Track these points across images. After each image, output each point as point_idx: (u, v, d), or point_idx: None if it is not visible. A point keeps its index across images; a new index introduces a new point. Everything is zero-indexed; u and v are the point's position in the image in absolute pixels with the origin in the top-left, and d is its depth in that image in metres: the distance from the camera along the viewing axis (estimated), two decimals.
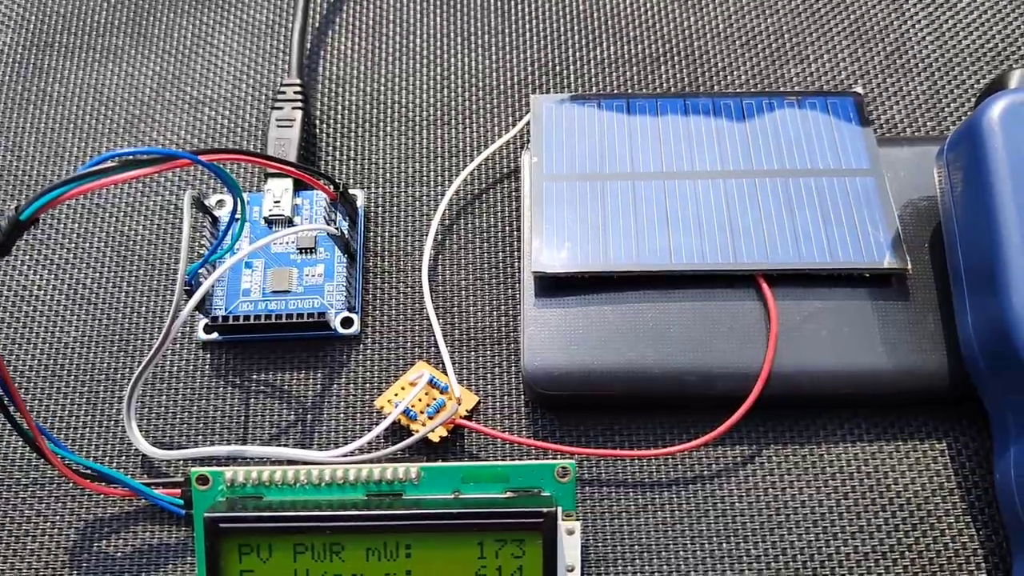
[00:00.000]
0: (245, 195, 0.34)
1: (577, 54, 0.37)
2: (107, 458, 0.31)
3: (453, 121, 0.36)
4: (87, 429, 0.32)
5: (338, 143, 0.36)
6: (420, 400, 0.31)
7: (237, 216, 0.30)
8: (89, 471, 0.30)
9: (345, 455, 0.29)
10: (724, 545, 0.29)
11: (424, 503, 0.27)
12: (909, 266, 0.30)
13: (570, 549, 0.28)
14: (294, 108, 0.35)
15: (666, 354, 0.30)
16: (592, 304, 0.30)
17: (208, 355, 0.33)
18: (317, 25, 0.38)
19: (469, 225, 0.34)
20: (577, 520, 0.28)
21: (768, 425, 0.31)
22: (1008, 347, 0.26)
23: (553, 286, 0.31)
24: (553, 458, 0.30)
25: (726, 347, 0.30)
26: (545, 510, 0.27)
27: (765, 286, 0.30)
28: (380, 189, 0.35)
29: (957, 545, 0.29)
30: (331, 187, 0.32)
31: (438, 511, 0.27)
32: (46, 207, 0.25)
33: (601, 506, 0.30)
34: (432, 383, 0.31)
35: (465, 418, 0.31)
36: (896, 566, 0.29)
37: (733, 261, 0.30)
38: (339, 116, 0.37)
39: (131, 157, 0.25)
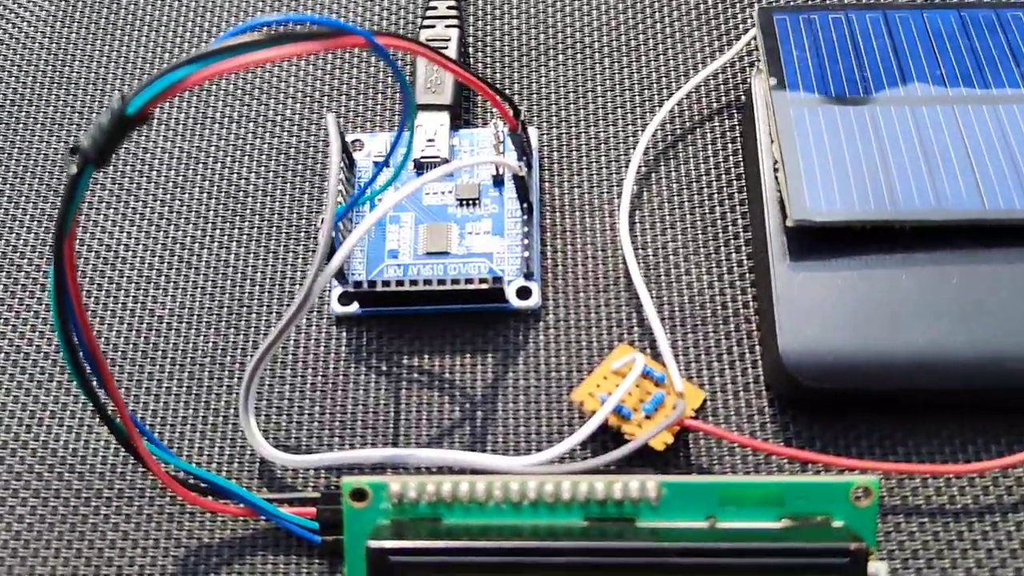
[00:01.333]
0: (384, 135, 0.27)
1: None
2: (216, 465, 0.24)
3: (642, 47, 0.29)
4: (191, 427, 0.24)
5: (498, 75, 0.29)
6: (631, 394, 0.23)
7: (403, 138, 0.22)
8: (196, 480, 0.22)
9: (544, 464, 0.22)
10: None
11: (670, 534, 0.20)
12: None
13: None
14: (447, 27, 0.28)
15: (979, 334, 0.22)
16: (874, 266, 0.22)
17: (345, 333, 0.25)
18: None
19: (675, 173, 0.27)
20: (884, 562, 0.20)
21: None
22: None
23: (816, 243, 0.23)
24: (836, 474, 0.22)
25: None
26: (852, 547, 0.19)
27: None
28: (554, 130, 0.28)
29: None
30: (512, 111, 0.24)
31: (695, 546, 0.19)
32: (162, 97, 0.17)
33: (888, 541, 0.22)
34: (646, 373, 0.23)
35: (693, 419, 0.23)
36: None
37: None
38: (496, 43, 0.29)
39: (287, 27, 0.18)
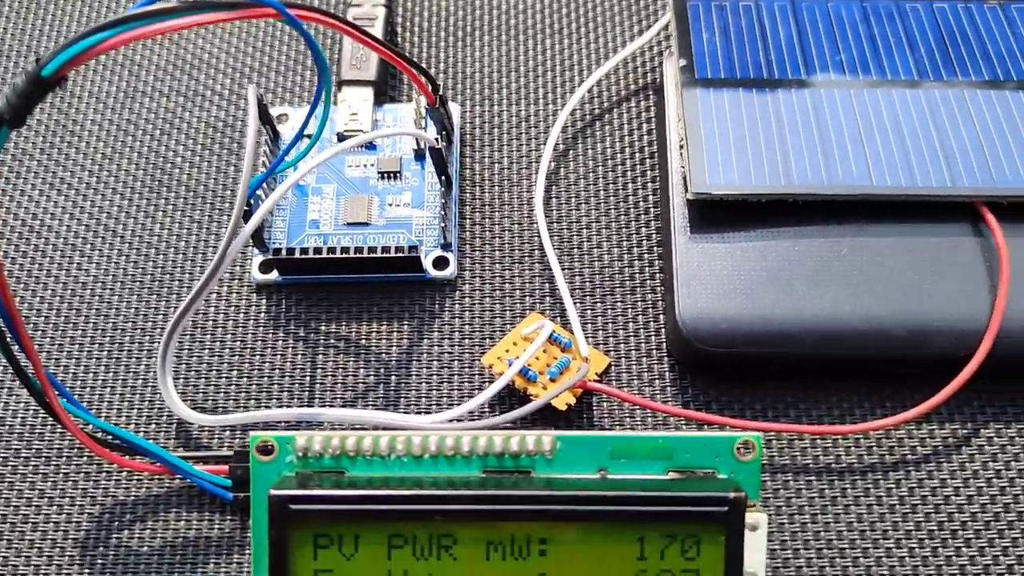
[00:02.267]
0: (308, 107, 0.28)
1: None
2: (134, 425, 0.24)
3: (566, 28, 0.30)
4: (110, 389, 0.25)
5: (424, 53, 0.30)
6: (537, 358, 0.24)
7: (319, 109, 0.23)
8: (112, 439, 0.23)
9: (449, 421, 0.23)
10: (941, 550, 0.22)
11: (563, 484, 0.21)
12: None
13: (753, 551, 0.21)
14: (375, 5, 0.29)
15: (867, 303, 0.23)
16: (769, 238, 0.24)
17: (265, 300, 0.26)
18: None
19: (591, 150, 0.28)
20: (763, 513, 0.21)
21: (985, 398, 0.24)
22: None
23: (715, 215, 0.24)
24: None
25: (943, 295, 0.23)
26: (731, 495, 0.20)
27: (990, 217, 0.23)
28: (477, 107, 0.28)
29: None
30: (430, 86, 0.25)
31: (586, 494, 0.20)
32: (76, 61, 0.18)
33: (776, 497, 0.23)
34: (552, 338, 0.24)
35: (597, 382, 0.24)
36: None
37: (950, 186, 0.24)
38: (426, 23, 0.30)
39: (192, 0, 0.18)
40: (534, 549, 0.20)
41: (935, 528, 0.22)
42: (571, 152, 0.28)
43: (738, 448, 0.21)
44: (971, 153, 0.24)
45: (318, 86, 0.22)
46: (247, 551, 0.23)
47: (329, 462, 0.21)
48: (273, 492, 0.20)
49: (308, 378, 0.25)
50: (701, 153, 0.24)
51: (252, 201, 0.24)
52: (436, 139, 0.25)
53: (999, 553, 0.22)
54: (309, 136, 0.27)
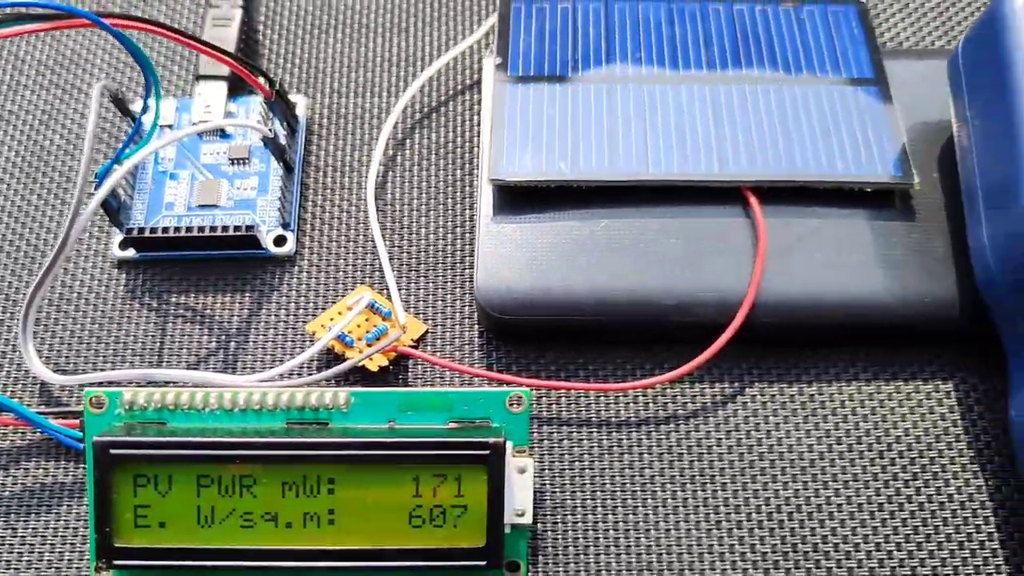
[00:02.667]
0: (172, 99, 0.31)
1: None
2: (4, 385, 0.27)
3: (411, 27, 0.32)
4: None
5: (283, 50, 0.32)
6: (359, 326, 0.27)
7: (149, 103, 0.26)
8: None
9: (265, 380, 0.26)
10: (700, 493, 0.25)
11: (353, 432, 0.24)
12: (916, 180, 0.26)
13: (521, 490, 0.24)
14: (233, 7, 0.32)
15: (640, 276, 0.26)
16: (558, 219, 0.27)
17: (124, 275, 0.29)
18: None
19: (424, 140, 0.31)
20: (530, 458, 0.24)
21: (753, 360, 0.27)
22: (1017, 266, 0.22)
23: (514, 199, 0.27)
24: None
25: (708, 269, 0.26)
26: (491, 440, 0.23)
27: (753, 200, 0.26)
28: (326, 99, 0.31)
29: (963, 496, 0.25)
30: (267, 84, 0.28)
31: (367, 440, 0.23)
32: None
33: (561, 447, 0.26)
34: (374, 308, 0.27)
35: (411, 347, 0.27)
36: (894, 519, 0.25)
37: (718, 172, 0.27)
38: (286, 21, 0.33)
39: (23, 8, 0.21)
40: (323, 488, 0.23)
41: (696, 475, 0.26)
42: (406, 141, 0.31)
43: (509, 401, 0.24)
44: (741, 142, 0.27)
45: (146, 82, 0.25)
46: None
47: (152, 414, 0.24)
48: (96, 439, 0.23)
49: (159, 344, 0.28)
50: (502, 143, 0.27)
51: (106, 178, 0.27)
52: (270, 130, 0.28)
53: (750, 495, 0.25)
54: (170, 126, 0.30)
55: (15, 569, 0.25)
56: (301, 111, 0.31)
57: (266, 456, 0.23)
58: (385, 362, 0.27)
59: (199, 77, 0.30)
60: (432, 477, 0.23)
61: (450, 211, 0.29)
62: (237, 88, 0.31)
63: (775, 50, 0.29)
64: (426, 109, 0.31)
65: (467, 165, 0.30)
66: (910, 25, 0.32)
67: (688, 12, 0.30)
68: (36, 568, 0.25)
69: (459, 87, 0.31)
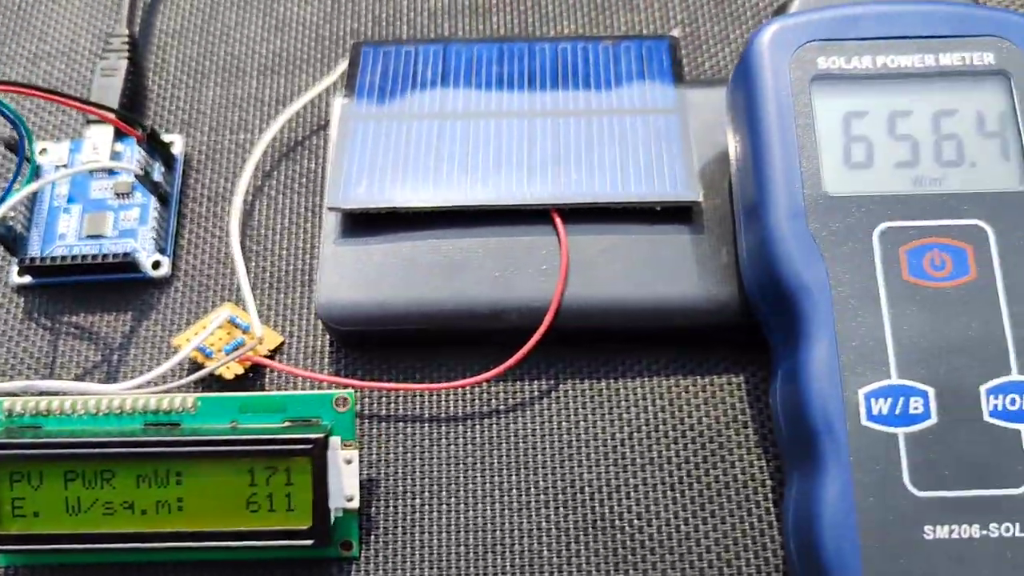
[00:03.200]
0: (67, 143, 0.35)
1: (408, 4, 0.37)
2: None
3: (281, 70, 0.36)
4: None
5: (169, 94, 0.36)
6: (220, 339, 0.31)
7: (20, 149, 0.30)
8: None
9: (131, 388, 0.30)
10: (514, 478, 0.29)
11: (199, 431, 0.28)
12: (700, 197, 0.30)
13: (348, 478, 0.28)
14: (120, 58, 0.35)
15: (460, 288, 0.30)
16: (390, 242, 0.30)
17: (21, 299, 0.33)
18: None
19: (288, 171, 0.34)
20: (356, 450, 0.28)
21: (566, 360, 0.31)
22: (767, 270, 0.26)
23: (353, 224, 0.31)
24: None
25: (520, 281, 0.30)
26: (314, 436, 0.27)
27: (558, 220, 0.30)
28: (204, 137, 0.35)
29: (746, 476, 0.29)
30: (139, 129, 0.32)
31: (208, 438, 0.27)
32: None
33: (394, 440, 0.30)
34: (234, 323, 0.31)
35: (267, 357, 0.31)
36: (684, 497, 0.29)
37: (529, 197, 0.30)
38: (173, 68, 0.37)
39: None
40: (172, 480, 0.27)
41: (512, 461, 0.29)
42: (273, 172, 0.34)
43: (335, 402, 0.28)
44: (549, 169, 0.31)
45: (19, 135, 0.29)
46: None
47: (28, 420, 0.28)
48: None
49: (51, 359, 0.32)
50: (340, 173, 0.31)
51: (6, 222, 0.31)
52: (142, 169, 0.32)
53: (558, 479, 0.29)
54: (64, 165, 0.34)
55: None
56: (179, 148, 0.34)
57: (122, 453, 0.27)
58: (241, 370, 0.30)
59: (89, 122, 0.34)
60: (265, 468, 0.27)
61: (307, 234, 0.33)
62: (120, 131, 0.35)
63: (590, 84, 0.33)
64: (291, 143, 0.35)
65: (319, 193, 0.34)
66: (728, 54, 0.36)
67: (517, 51, 0.34)
68: None
69: (316, 124, 0.35)
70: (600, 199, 0.30)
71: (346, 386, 0.30)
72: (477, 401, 0.30)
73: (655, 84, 0.33)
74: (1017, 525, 0.23)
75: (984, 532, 0.23)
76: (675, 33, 0.35)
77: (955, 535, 0.23)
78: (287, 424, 0.28)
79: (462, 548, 0.28)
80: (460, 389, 0.30)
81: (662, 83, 0.33)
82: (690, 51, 0.36)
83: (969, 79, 0.26)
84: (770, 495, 0.29)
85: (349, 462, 0.28)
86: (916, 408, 0.24)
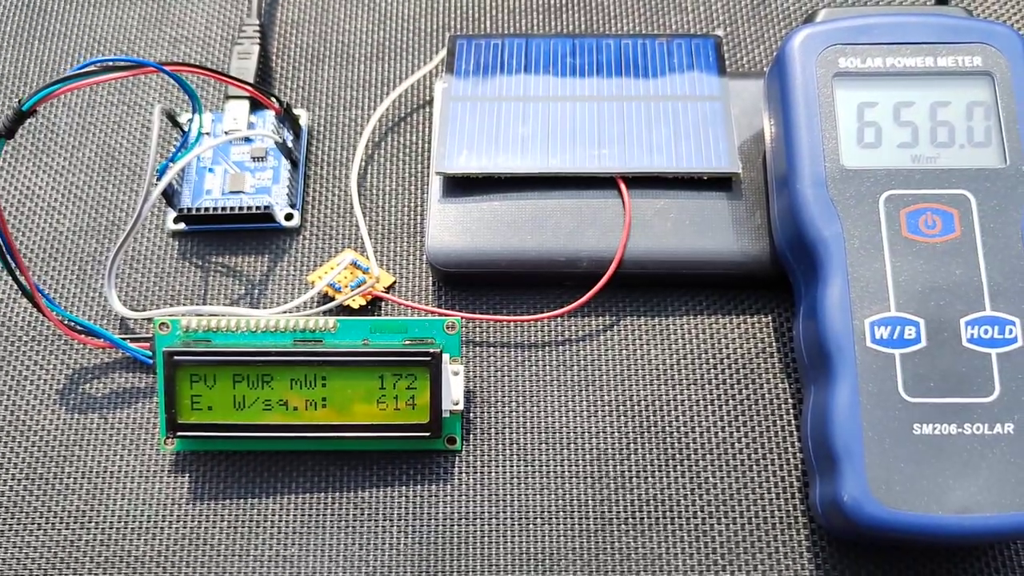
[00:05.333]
0: (209, 114, 0.42)
1: (493, 3, 0.44)
2: (93, 318, 0.38)
3: (385, 56, 0.43)
4: (78, 299, 0.39)
5: (290, 74, 0.43)
6: (345, 278, 0.38)
7: (195, 125, 0.37)
8: (76, 326, 0.37)
9: (279, 312, 0.37)
10: (584, 392, 0.36)
11: (338, 346, 0.35)
12: (740, 170, 0.37)
13: (456, 386, 0.35)
14: (252, 44, 0.42)
15: (541, 239, 0.37)
16: (485, 201, 0.37)
17: (176, 243, 0.40)
18: None
19: (394, 141, 0.41)
20: (462, 365, 0.35)
21: (626, 301, 0.38)
22: (794, 228, 0.33)
23: (454, 186, 0.38)
24: None
25: (591, 235, 0.37)
26: (432, 351, 0.34)
27: (623, 186, 0.37)
28: (323, 112, 0.42)
29: (772, 396, 0.36)
30: (277, 103, 0.39)
31: (347, 351, 0.34)
32: (43, 100, 0.32)
33: (489, 361, 0.37)
34: (355, 264, 0.38)
35: (383, 292, 0.38)
36: (720, 410, 0.36)
37: (599, 166, 0.37)
38: (292, 52, 0.44)
39: (110, 63, 0.32)
40: (318, 383, 0.34)
41: (583, 379, 0.36)
42: (381, 143, 0.41)
43: (446, 326, 0.35)
44: (616, 144, 0.37)
45: (193, 107, 0.35)
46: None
47: (201, 335, 0.35)
48: (165, 349, 0.34)
49: (203, 291, 0.39)
50: (444, 145, 0.38)
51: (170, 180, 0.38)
52: (281, 138, 0.39)
53: (620, 394, 0.36)
54: (208, 133, 0.41)
55: (107, 446, 0.36)
56: (304, 121, 0.41)
57: (279, 361, 0.34)
58: (364, 303, 0.37)
59: (228, 97, 0.41)
60: (392, 375, 0.34)
61: (411, 195, 0.40)
62: (256, 104, 0.41)
63: (648, 74, 0.39)
64: (395, 119, 0.42)
65: (424, 160, 0.41)
66: (763, 51, 0.42)
67: (587, 45, 0.40)
68: (121, 443, 0.36)
69: (419, 103, 0.42)
70: (657, 169, 0.37)
71: (448, 315, 0.37)
72: (554, 331, 0.37)
73: (702, 75, 0.39)
74: (985, 425, 0.30)
75: (959, 429, 0.30)
76: (719, 33, 0.41)
77: (937, 431, 0.30)
78: (407, 343, 0.35)
79: (543, 446, 0.35)
80: (541, 321, 0.37)
81: (708, 75, 0.39)
82: (730, 48, 0.43)
83: (960, 78, 0.33)
84: (791, 410, 0.36)
85: (456, 374, 0.35)
86: (910, 334, 0.31)
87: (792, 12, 0.43)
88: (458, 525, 0.34)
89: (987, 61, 0.33)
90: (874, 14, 0.34)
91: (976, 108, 0.33)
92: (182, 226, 0.40)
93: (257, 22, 0.43)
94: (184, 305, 0.38)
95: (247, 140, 0.41)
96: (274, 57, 0.44)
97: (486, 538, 0.34)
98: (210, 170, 0.40)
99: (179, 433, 0.34)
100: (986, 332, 0.31)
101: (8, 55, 0.44)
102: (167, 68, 0.33)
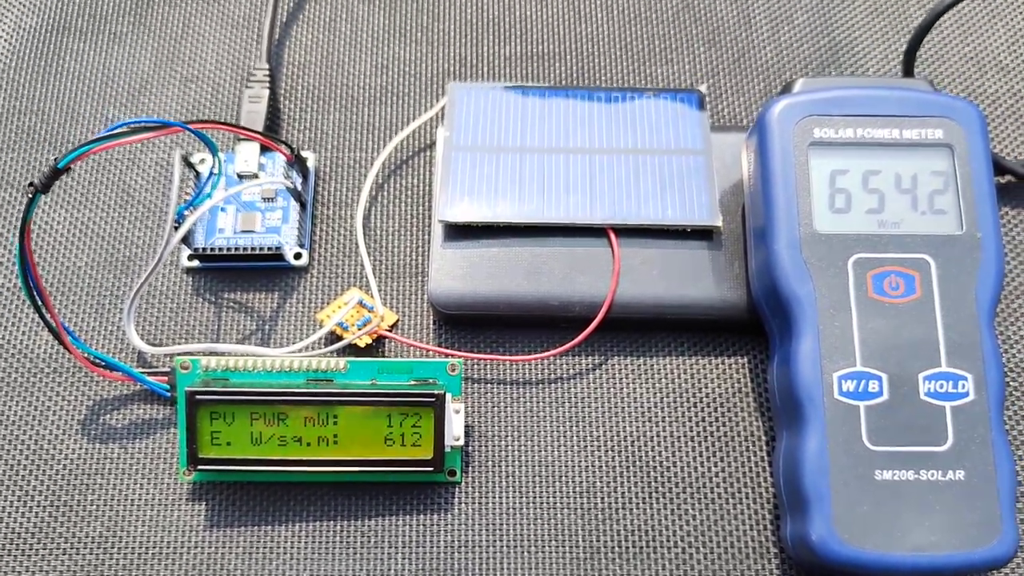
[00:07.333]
0: (221, 155, 0.44)
1: (489, 50, 0.47)
2: (112, 353, 0.41)
3: (388, 101, 0.45)
4: (95, 332, 0.41)
5: (297, 115, 0.45)
6: (351, 316, 0.40)
7: (215, 171, 0.39)
8: (98, 361, 0.39)
9: (292, 352, 0.39)
10: (575, 428, 0.39)
11: (349, 386, 0.37)
12: (720, 223, 0.40)
13: (456, 423, 0.37)
14: (263, 88, 0.44)
15: (538, 285, 0.39)
16: (484, 247, 0.40)
17: (190, 279, 0.42)
18: (284, 19, 0.48)
19: (396, 184, 0.44)
20: (462, 403, 0.38)
21: (614, 342, 0.40)
22: (769, 283, 0.36)
23: (455, 232, 0.40)
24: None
25: (582, 281, 0.39)
26: (437, 393, 0.36)
27: (613, 236, 0.40)
28: (328, 153, 0.44)
29: (747, 433, 0.39)
30: (288, 150, 0.41)
31: (357, 391, 0.37)
32: (78, 159, 0.34)
33: (487, 397, 0.40)
34: (361, 303, 0.41)
35: (387, 331, 0.40)
36: (700, 446, 0.39)
37: (590, 217, 0.40)
38: (299, 94, 0.46)
39: (139, 124, 0.34)
40: (330, 421, 0.36)
41: (573, 415, 0.39)
42: (385, 185, 0.44)
43: (448, 368, 0.38)
44: (607, 196, 0.40)
45: (212, 155, 0.38)
46: (176, 426, 0.39)
47: (220, 374, 0.37)
48: (187, 389, 0.36)
49: (216, 327, 0.41)
50: (447, 193, 0.40)
51: (183, 217, 0.40)
52: (292, 183, 0.41)
53: (607, 429, 0.39)
54: (215, 173, 0.43)
55: (127, 475, 0.39)
56: (311, 163, 0.44)
57: (293, 400, 0.36)
58: (369, 341, 0.40)
59: (239, 139, 0.43)
60: (399, 414, 0.37)
61: (413, 236, 0.43)
62: (266, 146, 0.44)
63: (636, 127, 0.42)
64: (398, 162, 0.44)
65: (424, 203, 0.43)
66: (743, 104, 0.45)
67: (580, 96, 0.43)
68: (141, 472, 0.38)
69: (420, 147, 0.44)
70: (645, 222, 0.40)
71: (450, 356, 0.39)
72: (548, 370, 0.40)
73: (687, 129, 0.42)
74: (939, 471, 0.33)
75: (916, 476, 0.33)
76: (702, 89, 0.44)
77: (896, 477, 0.33)
78: (413, 383, 0.37)
79: (536, 478, 0.38)
80: (536, 361, 0.40)
81: (692, 129, 0.42)
82: (712, 99, 0.45)
83: (923, 149, 0.36)
84: (764, 446, 0.39)
85: (457, 412, 0.38)
86: (874, 388, 0.34)
87: (769, 65, 0.46)
88: (458, 552, 0.37)
89: (948, 134, 0.36)
90: (846, 86, 0.37)
91: (936, 178, 0.36)
92: (196, 263, 0.42)
93: (267, 66, 0.45)
94: (198, 339, 0.41)
95: (258, 182, 0.43)
96: (282, 98, 0.46)
97: (484, 564, 0.37)
98: (222, 209, 0.43)
99: (199, 467, 0.37)
100: (942, 386, 0.34)
101: (28, 92, 0.46)
102: (191, 127, 0.35)
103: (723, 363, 0.40)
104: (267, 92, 0.44)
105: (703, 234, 0.40)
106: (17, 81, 0.46)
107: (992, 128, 0.45)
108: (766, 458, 0.39)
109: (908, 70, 0.42)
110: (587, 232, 0.40)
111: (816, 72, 0.46)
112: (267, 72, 0.45)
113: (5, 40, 0.47)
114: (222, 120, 0.38)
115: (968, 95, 0.46)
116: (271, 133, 0.42)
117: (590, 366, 0.40)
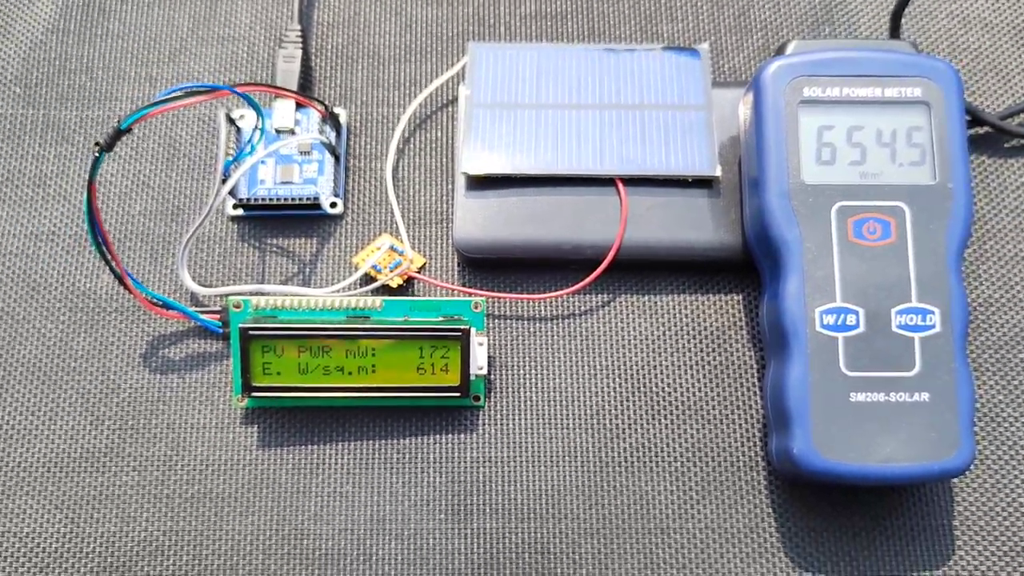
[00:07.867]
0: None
1: (506, 10, 0.50)
2: (167, 295, 0.45)
3: (412, 59, 0.49)
4: (151, 275, 0.45)
5: (328, 73, 0.49)
6: (384, 260, 0.45)
7: (258, 126, 0.43)
8: (156, 301, 0.44)
9: (332, 292, 0.43)
10: (585, 358, 0.43)
11: (384, 322, 0.42)
12: (718, 174, 0.44)
13: (480, 355, 0.42)
14: (296, 48, 0.48)
15: (551, 230, 0.43)
16: (504, 196, 0.44)
17: (235, 226, 0.46)
18: None
19: (422, 138, 0.47)
20: (485, 337, 0.42)
21: (621, 281, 0.45)
22: (761, 228, 0.40)
23: (477, 183, 0.44)
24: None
25: (593, 227, 0.43)
26: (462, 328, 0.41)
27: (620, 186, 0.44)
28: (358, 109, 0.48)
29: (741, 361, 0.43)
30: (322, 107, 0.45)
31: (392, 326, 0.41)
32: (139, 120, 0.38)
33: (507, 332, 0.44)
34: (392, 248, 0.45)
35: (416, 273, 0.44)
36: (698, 373, 0.43)
37: (600, 168, 0.44)
38: (329, 53, 0.49)
39: (193, 89, 0.38)
40: (369, 352, 0.41)
41: (585, 345, 0.44)
42: (411, 139, 0.47)
43: (472, 306, 0.42)
44: (615, 148, 0.44)
45: (259, 116, 0.42)
46: (228, 358, 0.44)
47: (269, 312, 0.42)
48: (240, 326, 0.41)
49: (260, 270, 0.45)
50: (469, 147, 0.44)
51: (228, 170, 0.44)
52: (327, 138, 0.45)
53: (615, 358, 0.43)
54: (259, 128, 0.47)
55: (186, 402, 0.43)
56: (343, 119, 0.47)
57: (335, 335, 0.41)
58: (400, 282, 0.44)
59: (275, 97, 0.47)
60: (430, 347, 0.41)
61: (438, 186, 0.47)
62: (300, 104, 0.47)
63: (643, 84, 0.46)
64: (423, 116, 0.48)
65: (448, 155, 0.47)
66: (744, 60, 0.49)
67: (590, 55, 0.46)
68: (198, 399, 0.43)
69: (443, 102, 0.48)
70: (650, 172, 0.44)
71: (472, 295, 0.44)
72: (561, 307, 0.44)
73: (689, 85, 0.46)
74: (907, 394, 0.38)
75: (886, 397, 0.38)
76: (704, 46, 0.47)
77: (869, 399, 0.38)
78: (441, 319, 0.42)
79: (551, 402, 0.43)
80: (550, 299, 0.44)
81: (694, 86, 0.46)
82: (714, 54, 0.49)
83: (903, 106, 0.40)
84: (756, 374, 0.43)
85: (480, 344, 0.42)
86: (851, 321, 0.38)
87: (769, 21, 0.50)
88: (482, 467, 0.42)
89: (925, 92, 0.40)
90: (834, 48, 0.41)
91: (914, 132, 0.40)
92: (240, 212, 0.46)
93: (299, 27, 0.48)
94: (245, 281, 0.45)
95: (292, 133, 0.47)
96: (313, 56, 0.49)
97: (505, 478, 0.42)
98: (262, 162, 0.46)
99: (252, 394, 0.41)
100: (911, 320, 0.38)
101: (74, 51, 0.49)
102: (238, 89, 0.39)
103: (720, 300, 0.44)
104: (300, 52, 0.48)
105: (703, 183, 0.44)
106: (67, 43, 0.50)
107: (974, 82, 0.49)
108: (757, 384, 0.43)
109: (895, 31, 0.45)
110: (597, 182, 0.44)
111: (811, 29, 0.49)
112: (299, 33, 0.48)
113: (53, 4, 0.50)
114: (260, 81, 0.41)
115: (953, 51, 0.49)
116: (305, 92, 0.46)
117: (599, 303, 0.44)
